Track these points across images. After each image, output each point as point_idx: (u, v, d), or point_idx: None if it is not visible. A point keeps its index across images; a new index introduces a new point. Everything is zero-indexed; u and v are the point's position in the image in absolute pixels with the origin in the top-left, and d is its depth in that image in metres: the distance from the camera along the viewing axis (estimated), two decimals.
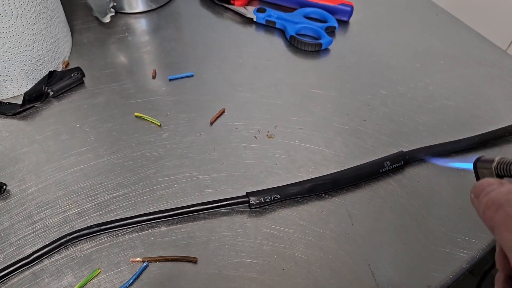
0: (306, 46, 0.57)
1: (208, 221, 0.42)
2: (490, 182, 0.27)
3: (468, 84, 0.56)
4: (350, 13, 0.61)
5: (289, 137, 0.49)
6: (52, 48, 0.51)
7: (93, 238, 0.41)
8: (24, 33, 0.46)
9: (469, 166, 0.33)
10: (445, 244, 0.42)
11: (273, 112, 0.51)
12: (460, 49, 0.61)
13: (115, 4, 0.58)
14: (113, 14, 0.56)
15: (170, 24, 0.61)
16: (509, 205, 0.25)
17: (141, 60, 0.56)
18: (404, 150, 0.47)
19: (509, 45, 0.76)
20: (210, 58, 0.57)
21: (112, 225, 0.40)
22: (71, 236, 0.40)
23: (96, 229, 0.40)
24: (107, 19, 0.57)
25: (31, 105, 0.49)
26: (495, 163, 0.30)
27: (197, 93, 0.53)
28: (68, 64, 0.54)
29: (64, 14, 0.55)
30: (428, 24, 0.64)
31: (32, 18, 0.46)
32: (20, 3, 0.44)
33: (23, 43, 0.47)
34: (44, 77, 0.51)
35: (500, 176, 0.30)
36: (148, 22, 0.61)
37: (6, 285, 0.38)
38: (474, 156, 0.33)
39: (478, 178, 0.32)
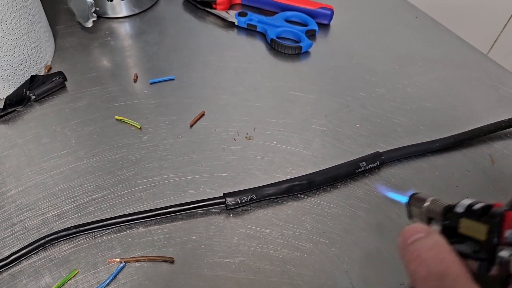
0: (286, 49, 0.58)
1: (186, 221, 0.43)
2: (417, 229, 0.27)
3: (446, 86, 0.57)
4: (330, 17, 0.62)
5: (267, 139, 0.50)
6: (34, 52, 0.52)
7: (71, 239, 0.41)
8: (5, 38, 0.47)
9: (405, 199, 0.32)
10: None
11: (253, 114, 0.52)
12: (439, 52, 0.61)
13: (97, 9, 0.59)
14: (95, 19, 0.57)
15: (153, 28, 0.62)
16: (432, 261, 0.25)
17: (124, 64, 0.57)
18: (381, 151, 0.48)
19: (490, 49, 0.77)
20: (192, 62, 0.58)
21: (90, 226, 0.41)
22: (49, 238, 0.40)
23: (74, 230, 0.41)
24: (89, 24, 0.57)
25: (13, 109, 0.50)
26: (427, 203, 0.30)
27: (178, 96, 0.53)
28: (50, 68, 0.55)
29: (46, 19, 0.55)
30: (408, 27, 0.65)
31: (12, 23, 0.47)
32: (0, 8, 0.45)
33: (3, 48, 0.47)
34: (26, 82, 0.51)
35: (430, 218, 0.30)
36: (131, 27, 0.62)
37: None
38: (408, 192, 0.33)
39: (409, 215, 0.32)
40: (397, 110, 0.54)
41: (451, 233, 0.27)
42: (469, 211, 0.26)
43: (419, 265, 0.25)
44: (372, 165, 0.46)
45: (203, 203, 0.42)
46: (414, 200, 0.31)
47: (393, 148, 0.48)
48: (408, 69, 0.59)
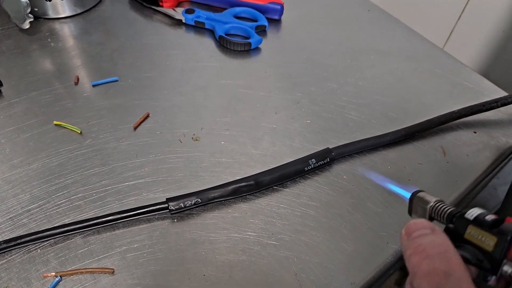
0: (235, 46, 0.56)
1: (128, 229, 0.41)
2: (424, 224, 0.27)
3: (398, 79, 0.56)
4: (280, 12, 0.61)
5: (215, 139, 0.48)
6: None
7: (3, 255, 0.38)
8: None
9: (407, 195, 0.34)
10: (370, 240, 0.41)
11: (200, 114, 0.50)
12: (391, 44, 0.61)
13: (36, 9, 0.56)
14: (31, 19, 0.54)
15: (97, 28, 0.59)
16: (437, 258, 0.25)
17: (64, 67, 0.54)
18: (331, 147, 0.47)
19: (445, 43, 0.77)
20: (137, 62, 0.55)
21: (22, 240, 0.38)
22: None
23: (4, 245, 0.38)
24: (26, 26, 0.54)
25: None
26: (431, 204, 0.31)
27: (121, 98, 0.51)
28: None
29: None
30: (360, 20, 0.64)
31: None
32: None
33: None
34: None
35: (431, 217, 0.31)
36: (73, 27, 0.59)
37: None
38: (412, 187, 0.34)
39: (410, 211, 0.33)
40: (348, 104, 0.53)
41: (453, 237, 0.27)
42: (479, 220, 0.27)
43: (424, 259, 0.25)
44: (322, 162, 0.45)
45: (144, 210, 0.40)
46: (418, 198, 0.32)
47: (343, 144, 0.47)
48: (360, 63, 0.58)
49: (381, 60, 0.58)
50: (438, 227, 0.28)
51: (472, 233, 0.27)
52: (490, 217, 0.27)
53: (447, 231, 0.29)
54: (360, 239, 0.41)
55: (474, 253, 0.27)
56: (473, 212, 0.28)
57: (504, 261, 0.25)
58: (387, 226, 0.42)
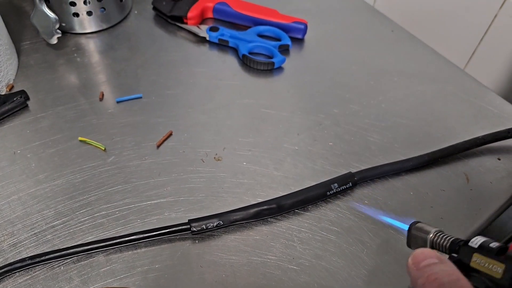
0: (259, 65, 0.57)
1: (150, 249, 0.41)
2: (431, 254, 0.27)
3: (421, 101, 0.56)
4: (304, 31, 0.61)
5: (237, 160, 0.48)
6: None
7: (27, 270, 0.39)
8: None
9: (404, 227, 0.34)
10: (392, 266, 0.41)
11: (223, 133, 0.50)
12: (415, 66, 0.60)
13: (63, 24, 0.57)
14: (59, 35, 0.55)
15: (122, 44, 0.60)
16: (451, 286, 0.25)
17: (89, 82, 0.55)
18: (353, 171, 0.46)
19: (466, 64, 0.77)
20: (161, 79, 0.56)
21: (47, 257, 0.39)
22: (3, 270, 0.38)
23: (29, 262, 0.38)
24: (54, 41, 0.55)
25: None
26: (432, 234, 0.31)
27: (145, 115, 0.51)
28: (12, 87, 0.53)
29: (8, 36, 0.53)
30: (383, 41, 0.64)
31: None
32: None
33: None
34: None
35: (432, 248, 0.31)
36: (99, 43, 0.60)
37: None
38: (410, 218, 0.34)
39: (409, 243, 0.34)
40: (371, 127, 0.52)
41: (458, 266, 0.27)
42: (485, 248, 0.28)
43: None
44: (344, 186, 0.45)
45: (167, 230, 0.41)
46: (416, 229, 0.33)
47: (366, 168, 0.47)
48: (383, 84, 0.58)
49: (404, 82, 0.58)
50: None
51: (478, 261, 0.27)
52: (494, 245, 0.27)
53: (450, 260, 0.29)
54: (382, 266, 0.41)
55: (482, 281, 0.27)
56: (477, 240, 0.28)
57: None
58: (408, 253, 0.42)
